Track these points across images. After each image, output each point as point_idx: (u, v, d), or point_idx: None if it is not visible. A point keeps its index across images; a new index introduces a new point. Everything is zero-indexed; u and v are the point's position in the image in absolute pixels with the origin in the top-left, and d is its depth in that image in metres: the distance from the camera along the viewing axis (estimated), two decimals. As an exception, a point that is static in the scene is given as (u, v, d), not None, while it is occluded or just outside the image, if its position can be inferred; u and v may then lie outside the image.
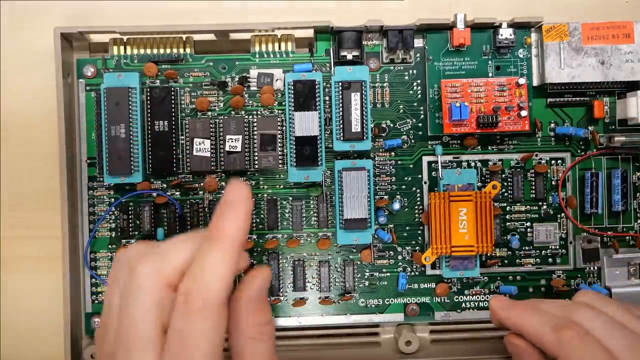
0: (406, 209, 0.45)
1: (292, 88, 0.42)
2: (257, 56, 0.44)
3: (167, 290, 0.28)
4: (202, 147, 0.43)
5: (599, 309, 0.36)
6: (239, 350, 0.29)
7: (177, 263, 0.28)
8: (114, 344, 0.28)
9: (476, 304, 0.45)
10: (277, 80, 0.44)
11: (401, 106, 0.45)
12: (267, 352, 0.29)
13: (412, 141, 0.45)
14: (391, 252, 0.45)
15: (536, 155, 0.45)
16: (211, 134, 0.44)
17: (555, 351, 0.34)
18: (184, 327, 0.26)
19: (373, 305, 0.45)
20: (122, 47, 0.44)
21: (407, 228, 0.45)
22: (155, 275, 0.28)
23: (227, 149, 0.43)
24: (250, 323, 0.29)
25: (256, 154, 0.44)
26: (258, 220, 0.45)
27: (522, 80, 0.43)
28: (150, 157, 0.43)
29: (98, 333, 0.31)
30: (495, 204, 0.45)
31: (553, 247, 0.45)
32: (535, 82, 0.45)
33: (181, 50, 0.44)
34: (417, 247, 0.45)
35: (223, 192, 0.44)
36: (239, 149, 0.43)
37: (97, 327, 0.31)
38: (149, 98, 0.43)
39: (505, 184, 0.45)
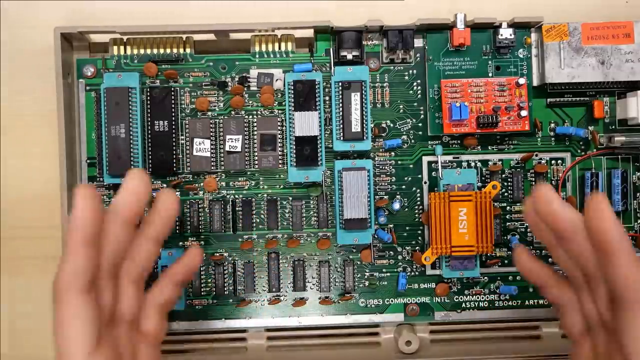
0: (406, 209, 0.45)
1: (292, 88, 0.42)
2: (257, 56, 0.44)
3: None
4: (202, 147, 0.43)
5: None
6: None
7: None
8: None
9: (476, 304, 0.45)
10: (277, 80, 0.44)
11: (401, 106, 0.45)
12: None
13: (412, 141, 0.45)
14: (391, 252, 0.45)
15: (536, 155, 0.45)
16: (211, 134, 0.44)
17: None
18: (55, 317, 0.32)
19: (373, 305, 0.45)
20: (122, 47, 0.44)
21: (407, 228, 0.45)
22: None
23: (227, 149, 0.43)
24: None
25: (256, 154, 0.44)
26: (258, 220, 0.45)
27: (522, 80, 0.43)
28: (150, 157, 0.43)
29: None
30: (495, 204, 0.45)
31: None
32: (535, 82, 0.45)
33: (181, 50, 0.44)
34: (417, 247, 0.45)
35: (222, 192, 0.44)
36: (239, 149, 0.43)
37: None
38: (149, 98, 0.43)
39: (505, 184, 0.45)
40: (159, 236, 0.36)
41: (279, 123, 0.44)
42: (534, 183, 0.45)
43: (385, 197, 0.45)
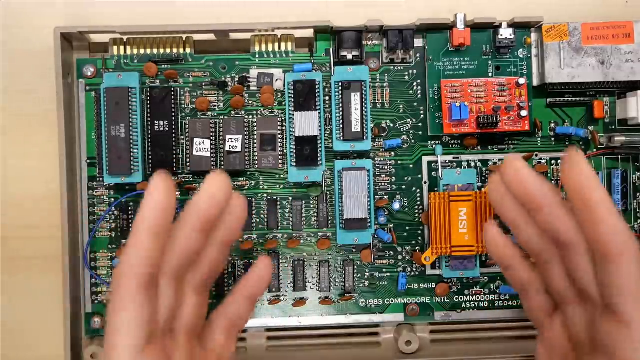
0: (406, 209, 0.45)
1: (292, 88, 0.42)
2: (257, 56, 0.44)
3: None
4: (202, 147, 0.43)
5: None
6: None
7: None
8: None
9: (476, 304, 0.45)
10: (277, 80, 0.44)
11: (401, 106, 0.45)
12: None
13: (412, 141, 0.45)
14: (391, 252, 0.45)
15: (536, 155, 0.45)
16: (211, 134, 0.44)
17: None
18: (109, 310, 0.30)
19: (373, 305, 0.45)
20: (122, 47, 0.44)
21: (407, 228, 0.45)
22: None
23: (227, 149, 0.43)
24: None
25: (256, 154, 0.44)
26: (258, 220, 0.45)
27: (522, 80, 0.43)
28: (150, 157, 0.43)
29: None
30: (495, 204, 0.45)
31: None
32: (535, 82, 0.45)
33: (181, 50, 0.44)
34: (417, 247, 0.45)
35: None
36: (239, 149, 0.43)
37: None
38: (149, 98, 0.43)
39: (505, 184, 0.45)
40: (228, 242, 0.34)
41: (279, 123, 0.44)
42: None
43: (385, 197, 0.45)
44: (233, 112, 0.44)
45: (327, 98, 0.44)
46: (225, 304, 0.36)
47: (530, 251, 0.35)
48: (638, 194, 0.45)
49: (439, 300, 0.45)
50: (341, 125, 0.42)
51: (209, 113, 0.44)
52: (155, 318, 0.31)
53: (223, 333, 0.35)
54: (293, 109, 0.42)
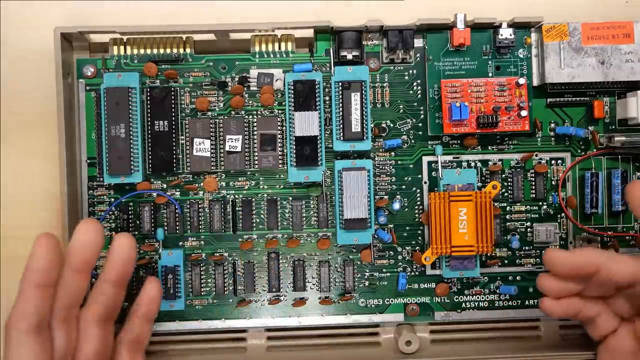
0: (406, 209, 0.45)
1: (292, 88, 0.42)
2: (257, 56, 0.44)
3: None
4: (202, 147, 0.43)
5: None
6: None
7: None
8: None
9: (476, 304, 0.45)
10: (277, 80, 0.44)
11: (401, 106, 0.45)
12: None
13: (412, 141, 0.45)
14: (391, 252, 0.45)
15: (536, 155, 0.45)
16: (211, 134, 0.44)
17: None
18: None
19: (373, 305, 0.45)
20: (122, 47, 0.44)
21: (407, 228, 0.45)
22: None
23: (227, 149, 0.43)
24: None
25: (256, 154, 0.44)
26: (258, 220, 0.45)
27: (522, 80, 0.43)
28: (150, 157, 0.43)
29: None
30: (495, 204, 0.45)
31: (553, 247, 0.45)
32: (535, 82, 0.45)
33: (181, 50, 0.44)
34: (417, 247, 0.45)
35: (222, 192, 0.44)
36: (239, 149, 0.43)
37: None
38: (149, 98, 0.43)
39: (505, 184, 0.45)
40: (117, 279, 0.37)
41: (279, 123, 0.44)
42: (534, 183, 0.45)
43: (385, 197, 0.45)
44: (233, 112, 0.44)
45: (327, 98, 0.44)
46: (125, 329, 0.40)
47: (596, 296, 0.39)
48: (638, 194, 0.45)
49: (439, 300, 0.45)
50: (341, 125, 0.42)
51: (209, 113, 0.44)
52: (50, 358, 0.34)
53: (129, 354, 0.39)
54: (293, 109, 0.42)
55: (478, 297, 0.45)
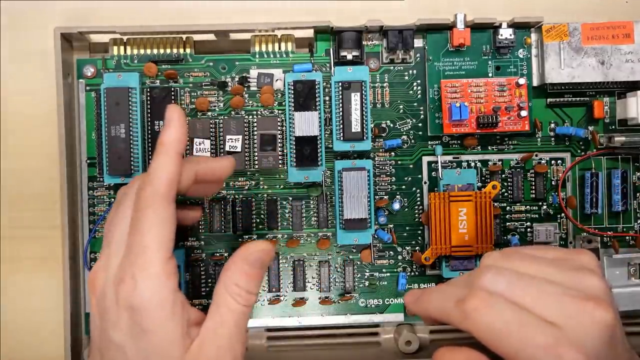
0: (406, 209, 0.45)
1: (292, 88, 0.42)
2: (257, 56, 0.44)
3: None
4: (202, 147, 0.43)
5: (502, 266, 0.32)
6: (215, 299, 0.33)
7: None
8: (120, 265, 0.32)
9: (476, 304, 0.45)
10: (277, 80, 0.44)
11: (401, 106, 0.45)
12: (236, 314, 0.33)
13: (412, 141, 0.45)
14: (391, 252, 0.45)
15: (536, 155, 0.45)
16: (211, 134, 0.44)
17: (465, 327, 0.31)
18: (136, 219, 0.32)
19: (373, 305, 0.45)
20: (122, 47, 0.44)
21: (407, 228, 0.45)
22: (134, 190, 0.33)
23: (227, 149, 0.43)
24: (233, 279, 0.33)
25: (256, 154, 0.44)
26: (258, 220, 0.45)
27: (522, 80, 0.43)
28: (150, 157, 0.43)
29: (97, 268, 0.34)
30: (495, 204, 0.45)
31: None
32: (535, 82, 0.45)
33: (181, 50, 0.44)
34: (417, 247, 0.45)
35: (222, 192, 0.44)
36: (239, 149, 0.43)
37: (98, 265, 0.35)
38: (149, 98, 0.43)
39: (505, 184, 0.45)
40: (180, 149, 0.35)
41: (279, 123, 0.44)
42: (534, 183, 0.45)
43: (385, 197, 0.45)
44: (233, 112, 0.44)
45: (327, 98, 0.44)
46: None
47: None
48: (638, 194, 0.45)
49: (439, 300, 0.45)
50: (341, 125, 0.42)
51: (209, 113, 0.44)
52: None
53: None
54: (293, 109, 0.42)
55: (478, 297, 0.45)
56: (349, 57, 0.43)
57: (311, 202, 0.45)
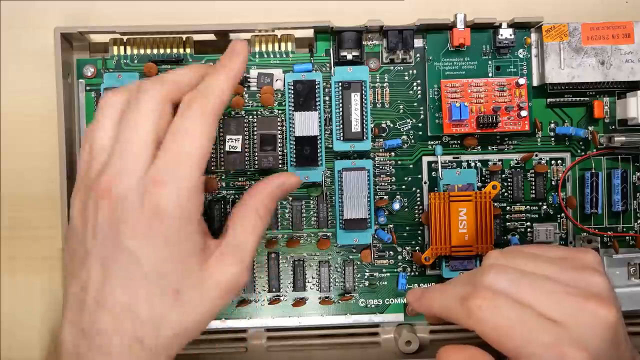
0: (406, 209, 0.45)
1: (292, 88, 0.42)
2: (257, 56, 0.44)
3: (168, 104, 0.33)
4: (202, 147, 0.43)
5: (505, 265, 0.33)
6: (237, 220, 0.35)
7: (180, 83, 0.34)
8: (106, 162, 0.32)
9: (476, 304, 0.45)
10: (277, 80, 0.44)
11: (401, 106, 0.45)
12: (258, 235, 0.35)
13: (412, 141, 0.45)
14: (391, 252, 0.45)
15: (536, 155, 0.45)
16: (211, 134, 0.44)
17: (468, 325, 0.31)
18: (183, 125, 0.32)
19: (373, 305, 0.45)
20: (122, 47, 0.44)
21: (407, 228, 0.45)
22: (158, 91, 0.32)
23: (227, 149, 0.43)
24: (264, 202, 0.35)
25: (256, 154, 0.44)
26: (258, 220, 0.45)
27: (522, 81, 0.43)
28: (150, 157, 0.43)
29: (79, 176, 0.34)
30: (495, 204, 0.45)
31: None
32: (535, 82, 0.45)
33: (181, 50, 0.44)
34: (417, 247, 0.45)
35: (222, 192, 0.44)
36: (239, 149, 0.43)
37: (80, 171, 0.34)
38: (149, 98, 0.43)
39: (505, 184, 0.45)
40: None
41: (279, 123, 0.44)
42: (534, 183, 0.45)
43: (385, 197, 0.45)
44: (233, 112, 0.44)
45: (327, 98, 0.44)
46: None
47: None
48: (638, 194, 0.45)
49: (439, 300, 0.45)
50: (341, 125, 0.42)
51: (209, 113, 0.44)
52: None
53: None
54: (293, 109, 0.42)
55: (478, 297, 0.45)
56: (349, 57, 0.43)
57: (311, 202, 0.45)
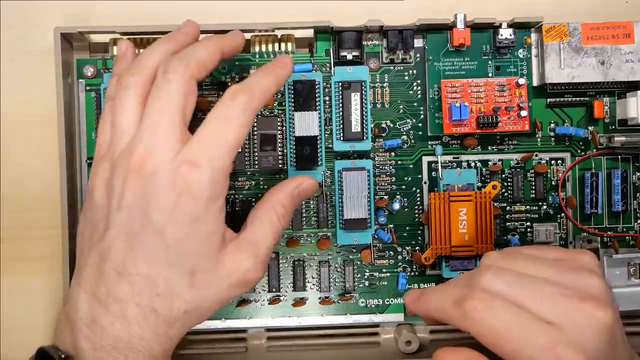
0: (406, 209, 0.45)
1: (292, 88, 0.42)
2: (257, 56, 0.44)
3: (194, 83, 0.34)
4: (202, 147, 0.43)
5: (502, 267, 0.33)
6: (257, 217, 0.37)
7: (205, 62, 0.35)
8: (132, 139, 0.33)
9: (476, 304, 0.45)
10: (277, 80, 0.44)
11: (401, 106, 0.45)
12: (277, 232, 0.36)
13: (412, 141, 0.45)
14: (391, 252, 0.45)
15: (536, 155, 0.45)
16: (211, 134, 0.44)
17: (464, 327, 0.31)
18: (227, 113, 0.33)
19: (373, 305, 0.45)
20: (122, 47, 0.44)
21: (407, 228, 0.45)
22: (185, 72, 0.33)
23: (227, 149, 0.43)
24: (282, 201, 0.37)
25: (256, 154, 0.44)
26: (258, 220, 0.45)
27: (522, 81, 0.43)
28: (150, 157, 0.43)
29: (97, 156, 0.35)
30: (495, 204, 0.45)
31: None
32: (535, 82, 0.45)
33: (181, 50, 0.44)
34: (417, 247, 0.45)
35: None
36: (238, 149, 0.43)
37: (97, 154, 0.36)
38: (149, 98, 0.43)
39: (505, 184, 0.45)
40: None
41: (279, 123, 0.44)
42: (534, 183, 0.45)
43: (385, 197, 0.45)
44: (233, 112, 0.44)
45: (327, 98, 0.44)
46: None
47: None
48: (638, 194, 0.45)
49: (439, 300, 0.45)
50: (341, 125, 0.42)
51: (209, 113, 0.44)
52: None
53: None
54: (293, 109, 0.42)
55: (478, 297, 0.45)
56: (349, 57, 0.43)
57: (311, 202, 0.45)
